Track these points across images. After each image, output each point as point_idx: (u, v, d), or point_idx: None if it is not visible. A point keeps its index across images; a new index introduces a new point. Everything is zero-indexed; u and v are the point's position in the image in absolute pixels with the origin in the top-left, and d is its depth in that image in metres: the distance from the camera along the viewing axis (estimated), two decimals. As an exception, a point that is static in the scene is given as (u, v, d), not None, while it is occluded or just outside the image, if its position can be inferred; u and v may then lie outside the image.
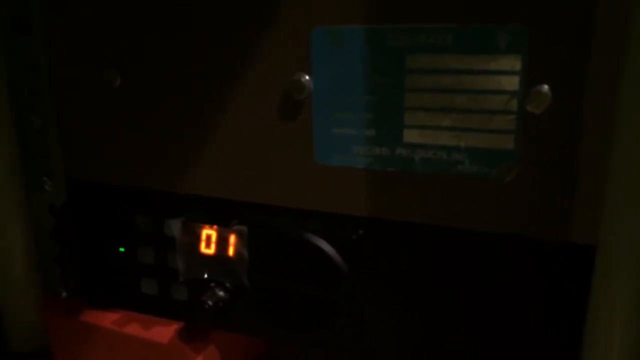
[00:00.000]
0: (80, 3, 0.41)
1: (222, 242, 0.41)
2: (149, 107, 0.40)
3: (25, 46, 0.43)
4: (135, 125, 0.41)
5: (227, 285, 0.42)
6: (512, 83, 0.30)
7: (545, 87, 0.29)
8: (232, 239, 0.41)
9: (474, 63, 0.30)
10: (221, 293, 0.42)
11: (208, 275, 0.42)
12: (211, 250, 0.42)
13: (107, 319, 0.47)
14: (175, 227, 0.42)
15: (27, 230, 0.48)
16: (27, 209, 0.47)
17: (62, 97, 0.43)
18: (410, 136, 0.33)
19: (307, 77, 0.35)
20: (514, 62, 0.30)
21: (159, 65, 0.39)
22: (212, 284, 0.42)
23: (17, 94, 0.45)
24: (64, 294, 0.49)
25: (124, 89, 0.41)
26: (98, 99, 0.42)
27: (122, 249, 0.46)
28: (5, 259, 0.48)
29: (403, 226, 0.35)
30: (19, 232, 0.48)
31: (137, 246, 0.45)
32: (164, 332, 0.45)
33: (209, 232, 0.42)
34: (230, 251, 0.41)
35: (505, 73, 0.30)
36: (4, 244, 0.48)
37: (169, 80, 0.39)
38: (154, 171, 0.42)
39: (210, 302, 0.41)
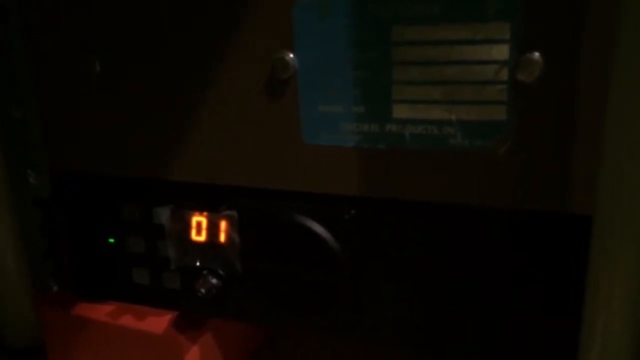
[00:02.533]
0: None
1: (212, 229, 0.41)
2: (130, 93, 0.39)
3: (0, 33, 0.42)
4: (117, 112, 0.40)
5: (220, 272, 0.41)
6: (501, 52, 0.29)
7: (536, 54, 0.28)
8: (223, 224, 0.40)
9: (462, 33, 0.29)
10: (214, 280, 0.41)
11: (200, 262, 0.42)
12: (202, 237, 0.41)
13: (101, 312, 0.47)
14: (164, 215, 0.42)
15: (14, 225, 0.47)
16: (12, 203, 0.46)
17: (42, 85, 0.42)
18: (400, 111, 0.32)
19: (291, 55, 0.33)
20: (504, 30, 0.29)
21: (139, 50, 0.38)
22: (205, 272, 0.41)
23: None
24: (55, 288, 0.48)
25: (105, 76, 0.39)
26: (79, 86, 0.41)
27: (111, 240, 0.45)
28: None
29: (396, 204, 0.34)
30: (6, 227, 0.47)
31: (126, 236, 0.44)
32: (158, 322, 0.44)
33: (198, 219, 0.41)
34: (222, 237, 0.40)
35: (495, 41, 0.29)
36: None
37: (150, 65, 0.38)
38: (139, 159, 0.41)
39: (203, 290, 0.41)
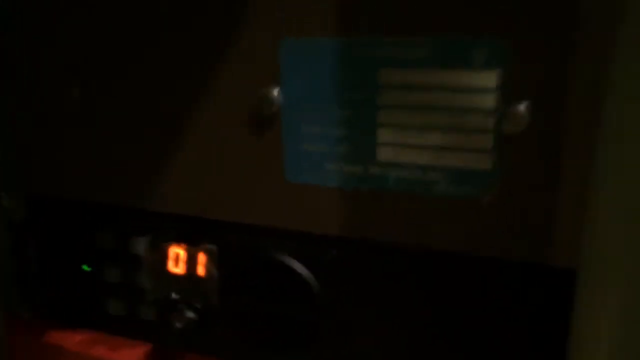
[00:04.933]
0: (39, 5, 0.38)
1: (191, 262, 0.40)
2: (110, 119, 0.38)
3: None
4: (96, 138, 0.39)
5: (197, 306, 0.40)
6: (488, 101, 0.28)
7: (523, 106, 0.28)
8: (202, 258, 0.39)
9: (449, 78, 0.29)
10: (190, 314, 0.40)
11: (177, 295, 0.41)
12: (180, 270, 0.40)
13: (73, 340, 0.45)
14: (141, 245, 0.41)
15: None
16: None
17: (18, 105, 0.41)
18: (384, 154, 0.32)
19: (276, 91, 0.33)
20: (490, 79, 0.28)
21: (121, 76, 0.37)
22: (181, 305, 0.40)
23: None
24: (26, 315, 0.47)
25: (85, 99, 0.38)
26: (57, 109, 0.40)
27: (86, 268, 0.44)
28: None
29: (378, 246, 0.34)
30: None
31: (102, 265, 0.43)
32: (132, 354, 0.43)
33: (177, 251, 0.40)
34: (200, 270, 0.40)
35: (482, 90, 0.28)
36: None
37: (132, 92, 0.37)
38: (117, 187, 0.40)
39: (179, 324, 0.39)
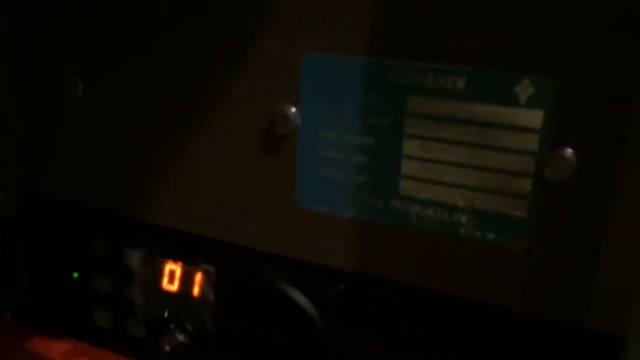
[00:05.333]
0: (43, 2, 0.36)
1: (186, 280, 0.37)
2: (114, 122, 0.36)
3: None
4: (97, 140, 0.36)
5: (189, 327, 0.37)
6: (530, 142, 0.26)
7: (569, 151, 0.25)
8: (198, 277, 0.36)
9: (487, 114, 0.26)
10: (181, 337, 0.37)
11: (168, 313, 0.38)
12: (174, 287, 0.38)
13: (56, 349, 0.43)
14: (135, 258, 0.38)
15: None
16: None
17: (19, 101, 0.38)
18: (407, 188, 0.29)
19: (293, 110, 0.30)
20: (535, 118, 0.25)
21: (128, 79, 0.34)
22: (172, 326, 0.37)
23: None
24: (8, 316, 0.44)
25: (87, 100, 0.36)
26: (58, 107, 0.37)
27: (75, 274, 0.41)
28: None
29: (391, 285, 0.31)
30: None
31: (92, 273, 0.40)
32: (116, 370, 0.40)
33: (172, 267, 0.37)
34: (195, 290, 0.37)
35: (524, 130, 0.26)
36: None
37: (138, 96, 0.34)
38: (115, 194, 0.37)
39: (168, 348, 0.37)
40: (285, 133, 0.30)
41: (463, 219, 0.28)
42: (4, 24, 0.37)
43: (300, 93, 0.30)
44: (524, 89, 0.25)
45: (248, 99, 0.31)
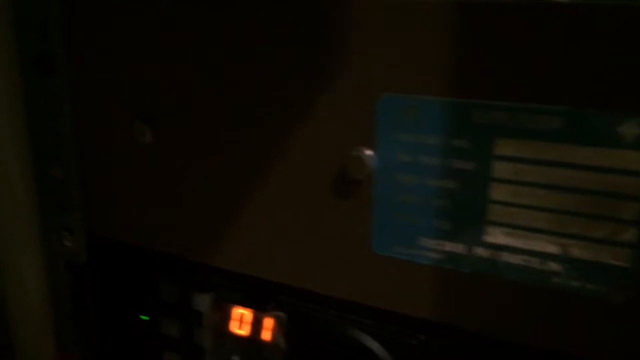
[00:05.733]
0: (110, 44, 0.36)
1: (256, 325, 0.36)
2: (182, 167, 0.35)
3: (48, 87, 0.39)
4: (166, 185, 0.36)
5: (259, 374, 0.36)
6: (636, 186, 0.23)
7: (683, 196, 0.22)
8: (268, 323, 0.35)
9: (586, 157, 0.24)
10: (252, 384, 0.36)
11: (238, 358, 0.37)
12: (243, 332, 0.36)
13: (123, 391, 0.42)
14: (204, 302, 0.37)
15: (44, 284, 0.43)
16: (44, 262, 0.43)
17: (87, 147, 0.39)
18: (494, 235, 0.27)
19: (368, 153, 0.29)
20: (641, 161, 0.23)
21: (196, 124, 0.34)
22: (242, 372, 0.36)
23: (39, 140, 0.40)
24: (78, 355, 0.44)
25: (155, 145, 0.35)
26: (125, 152, 0.37)
27: (144, 317, 0.41)
28: (22, 312, 0.44)
29: (474, 338, 0.29)
30: (35, 286, 0.43)
31: (160, 316, 0.40)
32: (185, 416, 0.39)
33: (242, 312, 0.36)
34: (265, 336, 0.36)
35: (629, 173, 0.23)
36: (20, 299, 0.44)
37: (207, 141, 0.34)
38: (183, 238, 0.37)
39: (238, 395, 0.36)
40: (360, 177, 0.29)
41: (557, 268, 0.26)
42: (69, 73, 0.38)
43: (376, 135, 0.28)
44: (629, 130, 0.23)
45: (321, 141, 0.30)
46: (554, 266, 0.26)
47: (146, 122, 0.35)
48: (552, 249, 0.26)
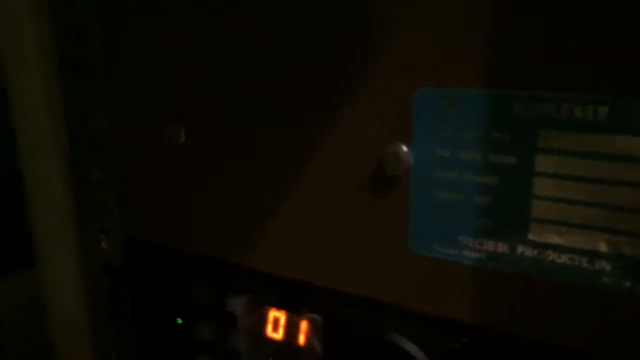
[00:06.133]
0: (146, 47, 0.36)
1: (291, 328, 0.35)
2: (216, 168, 0.35)
3: (85, 91, 0.39)
4: (200, 187, 0.36)
5: (295, 378, 0.35)
6: (693, 179, 0.22)
7: None
8: (304, 326, 0.35)
9: (635, 147, 0.23)
10: (287, 388, 0.35)
11: (273, 362, 0.36)
12: (279, 335, 0.36)
13: (160, 395, 0.42)
14: (239, 305, 0.37)
15: (82, 289, 0.44)
16: (82, 265, 0.43)
17: (122, 149, 0.39)
18: (539, 233, 0.26)
19: (405, 149, 0.28)
20: (698, 151, 0.22)
21: (230, 123, 0.34)
22: (278, 375, 0.36)
23: (76, 144, 0.41)
24: (114, 358, 0.45)
25: (189, 146, 0.35)
26: (160, 154, 0.37)
27: (179, 320, 0.40)
28: (60, 317, 0.45)
29: (517, 341, 0.27)
30: (73, 290, 0.44)
31: (195, 319, 0.39)
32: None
33: (277, 315, 0.36)
34: (301, 339, 0.35)
35: (684, 164, 0.22)
36: (58, 304, 0.44)
37: (241, 141, 0.33)
38: (218, 240, 0.36)
39: (274, 399, 0.35)
40: (396, 174, 0.28)
41: (607, 267, 0.24)
42: (106, 77, 0.38)
43: (412, 130, 0.27)
44: (683, 118, 0.22)
45: (356, 137, 0.29)
46: (603, 265, 0.24)
47: (180, 123, 0.35)
48: (601, 246, 0.24)
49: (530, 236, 0.26)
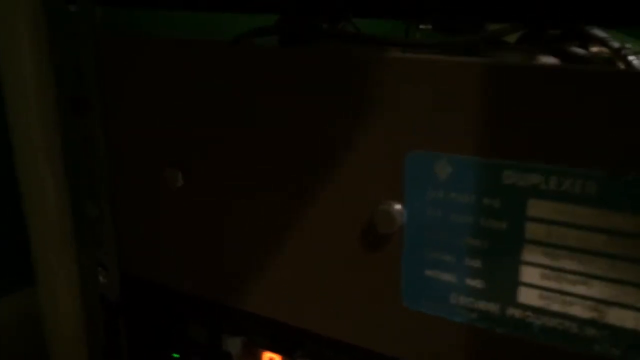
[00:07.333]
0: (143, 87, 0.36)
1: (285, 369, 0.36)
2: (212, 212, 0.35)
3: (83, 128, 0.39)
4: (196, 229, 0.36)
5: (288, 418, 0.36)
6: (678, 257, 0.22)
7: None
8: (298, 369, 0.35)
9: (623, 222, 0.23)
10: None
11: (267, 401, 0.37)
12: (273, 376, 0.36)
13: None
14: (234, 345, 0.37)
15: (79, 318, 0.44)
16: (81, 296, 0.43)
17: (120, 187, 0.39)
18: (528, 297, 0.26)
19: (398, 207, 0.28)
20: (685, 230, 0.22)
21: (227, 170, 0.34)
22: (272, 417, 0.36)
23: (74, 179, 0.41)
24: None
25: (186, 190, 0.36)
26: (157, 194, 0.37)
27: (176, 355, 0.41)
28: (57, 346, 0.45)
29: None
30: (72, 319, 0.44)
31: (191, 357, 0.40)
32: None
33: (272, 357, 0.36)
34: (295, 381, 0.35)
35: (670, 242, 0.22)
36: (55, 331, 0.45)
37: (238, 188, 0.34)
38: (213, 281, 0.37)
39: None
40: (389, 232, 0.28)
41: (597, 335, 0.25)
42: (103, 116, 0.38)
43: (404, 191, 0.28)
44: (669, 197, 0.22)
45: (350, 195, 0.29)
46: (592, 332, 0.25)
47: (178, 167, 0.35)
48: (589, 314, 0.25)
49: (520, 299, 0.26)
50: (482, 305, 0.27)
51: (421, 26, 0.51)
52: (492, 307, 0.27)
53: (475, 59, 0.25)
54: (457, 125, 0.26)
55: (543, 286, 0.25)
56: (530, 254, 0.25)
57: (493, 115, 0.25)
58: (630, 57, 0.33)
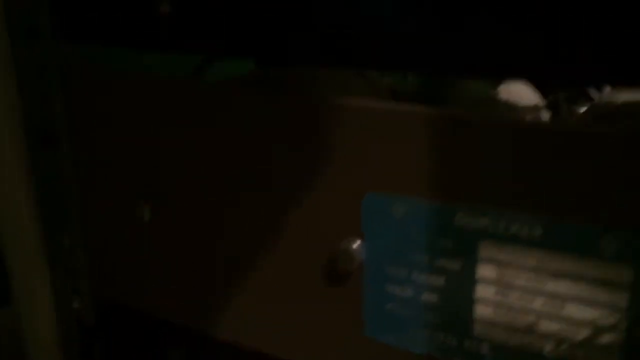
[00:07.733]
0: (111, 125, 0.37)
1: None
2: (181, 244, 0.36)
3: (53, 163, 0.40)
4: (166, 259, 0.37)
5: None
6: (618, 298, 0.23)
7: (665, 310, 0.22)
8: (270, 394, 0.36)
9: (567, 265, 0.24)
10: None
11: None
12: (247, 400, 0.37)
13: None
14: (207, 370, 0.38)
15: (55, 344, 0.45)
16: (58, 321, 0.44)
17: (91, 218, 0.40)
18: (482, 331, 0.27)
19: (357, 246, 0.29)
20: (621, 274, 0.23)
21: (194, 204, 0.34)
22: None
23: (47, 212, 0.41)
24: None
25: (155, 223, 0.36)
26: (127, 226, 0.38)
27: (153, 378, 0.42)
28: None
29: None
30: (49, 344, 0.45)
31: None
32: None
33: (245, 382, 0.37)
34: (267, 406, 0.36)
35: (609, 284, 0.23)
36: (34, 356, 0.45)
37: (204, 220, 0.34)
38: (184, 308, 0.37)
39: None
40: (349, 269, 0.29)
41: (546, 369, 0.26)
42: (73, 150, 0.39)
43: (363, 229, 0.29)
44: (607, 242, 0.23)
45: (312, 233, 0.30)
46: (542, 365, 0.26)
47: (146, 201, 0.36)
48: (538, 346, 0.26)
49: (475, 333, 0.27)
50: (440, 336, 0.28)
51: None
52: (449, 339, 0.28)
53: (425, 108, 0.26)
54: (411, 169, 0.27)
55: (496, 321, 0.27)
56: (483, 292, 0.26)
57: (445, 161, 0.26)
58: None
